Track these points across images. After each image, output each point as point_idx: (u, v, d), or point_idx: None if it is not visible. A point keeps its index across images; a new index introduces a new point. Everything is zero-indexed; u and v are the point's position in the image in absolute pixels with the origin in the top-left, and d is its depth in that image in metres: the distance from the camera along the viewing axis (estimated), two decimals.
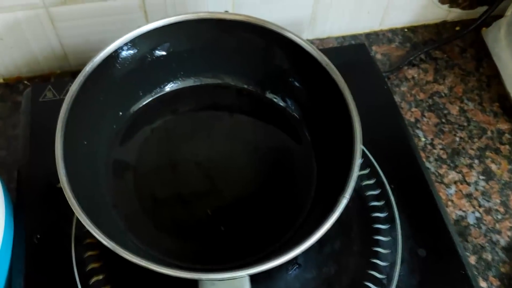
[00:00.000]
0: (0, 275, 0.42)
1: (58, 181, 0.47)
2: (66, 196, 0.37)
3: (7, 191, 0.46)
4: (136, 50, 0.45)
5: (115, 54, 0.44)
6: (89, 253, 0.43)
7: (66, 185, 0.37)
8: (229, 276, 0.35)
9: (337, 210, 0.37)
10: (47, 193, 0.47)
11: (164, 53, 0.46)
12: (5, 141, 0.57)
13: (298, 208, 0.45)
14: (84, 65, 0.43)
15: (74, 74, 0.52)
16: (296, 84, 0.47)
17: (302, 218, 0.44)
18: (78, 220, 0.45)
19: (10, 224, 0.45)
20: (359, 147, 0.40)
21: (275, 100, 0.51)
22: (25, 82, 0.62)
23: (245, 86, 0.51)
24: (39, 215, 0.46)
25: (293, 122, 0.50)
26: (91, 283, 0.42)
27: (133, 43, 0.44)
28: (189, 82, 0.50)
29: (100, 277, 0.42)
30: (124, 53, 0.44)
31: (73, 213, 0.45)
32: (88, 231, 0.44)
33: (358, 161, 0.39)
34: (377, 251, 0.45)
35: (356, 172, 0.39)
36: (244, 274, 0.35)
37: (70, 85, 0.52)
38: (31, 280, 0.42)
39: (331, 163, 0.45)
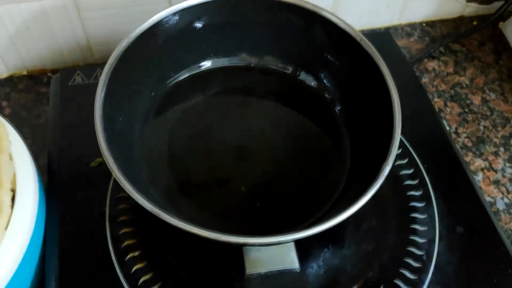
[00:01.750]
0: (33, 256, 0.41)
1: (90, 160, 0.47)
2: (109, 168, 0.36)
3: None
4: (176, 21, 0.45)
5: (155, 27, 0.44)
6: (124, 230, 0.43)
7: (108, 155, 0.37)
8: (275, 240, 0.34)
9: (381, 177, 0.37)
10: (78, 174, 0.46)
11: (202, 25, 0.46)
12: (30, 130, 0.57)
13: (333, 185, 0.45)
14: (107, 58, 0.42)
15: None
16: (331, 59, 0.47)
17: (338, 193, 0.44)
18: (111, 198, 0.45)
19: (42, 205, 0.44)
20: (398, 115, 0.40)
21: (308, 80, 0.51)
22: (49, 74, 0.62)
23: (279, 67, 0.51)
24: (71, 195, 0.45)
25: (325, 102, 0.50)
26: (126, 259, 0.41)
27: (174, 15, 0.44)
28: (223, 61, 0.50)
29: (136, 253, 0.41)
30: (164, 26, 0.44)
31: (106, 191, 0.45)
32: (123, 209, 0.44)
33: (398, 129, 0.39)
34: (414, 228, 0.45)
35: (397, 140, 0.39)
36: (290, 238, 0.35)
37: (99, 70, 0.53)
38: (65, 258, 0.42)
39: (366, 139, 0.45)
